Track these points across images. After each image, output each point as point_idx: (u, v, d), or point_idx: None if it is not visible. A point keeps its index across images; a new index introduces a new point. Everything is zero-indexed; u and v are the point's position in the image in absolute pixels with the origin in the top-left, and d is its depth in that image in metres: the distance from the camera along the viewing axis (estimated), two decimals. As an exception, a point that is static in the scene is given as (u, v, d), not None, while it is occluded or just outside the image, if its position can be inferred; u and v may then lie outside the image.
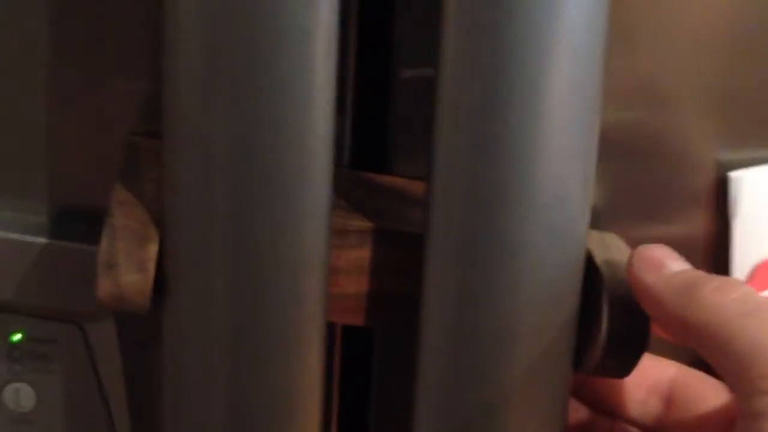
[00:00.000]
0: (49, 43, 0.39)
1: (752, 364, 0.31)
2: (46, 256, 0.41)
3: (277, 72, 0.32)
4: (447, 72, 0.33)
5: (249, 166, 0.33)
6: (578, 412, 0.40)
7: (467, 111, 0.33)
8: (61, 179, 0.41)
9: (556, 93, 0.33)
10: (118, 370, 0.42)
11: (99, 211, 0.38)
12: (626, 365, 0.36)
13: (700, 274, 0.34)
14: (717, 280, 0.33)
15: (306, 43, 0.32)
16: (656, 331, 0.36)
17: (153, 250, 0.35)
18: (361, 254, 0.37)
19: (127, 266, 0.34)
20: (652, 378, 0.39)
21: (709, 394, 0.38)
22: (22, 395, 0.42)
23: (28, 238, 0.41)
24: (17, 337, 0.42)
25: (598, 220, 0.39)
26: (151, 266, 0.35)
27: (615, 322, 0.35)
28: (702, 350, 0.33)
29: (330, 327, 0.37)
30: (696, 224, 0.42)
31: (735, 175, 0.41)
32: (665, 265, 0.34)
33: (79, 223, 0.41)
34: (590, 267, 0.36)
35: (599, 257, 0.36)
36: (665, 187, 0.41)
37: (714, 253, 0.42)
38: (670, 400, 0.39)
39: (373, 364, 0.42)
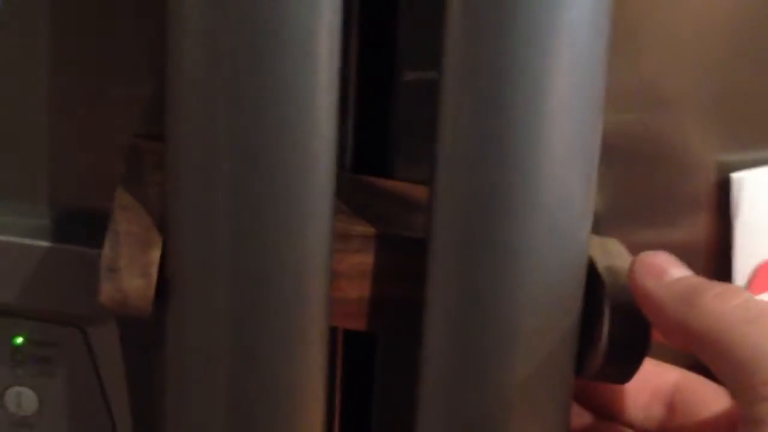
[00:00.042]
0: (49, 47, 0.39)
1: (754, 370, 0.31)
2: (48, 259, 0.41)
3: (281, 74, 0.32)
4: (450, 74, 0.33)
5: (252, 169, 0.33)
6: (581, 417, 0.40)
7: (470, 113, 0.33)
8: (62, 182, 0.41)
9: (559, 95, 0.33)
10: (120, 373, 0.42)
11: (100, 214, 0.38)
12: (627, 371, 0.36)
13: (702, 280, 0.34)
14: (718, 286, 0.33)
15: (309, 45, 0.32)
16: (657, 335, 0.36)
17: (156, 254, 0.35)
18: (364, 259, 0.37)
19: (130, 271, 0.34)
20: (654, 383, 0.39)
21: (711, 399, 0.38)
22: (23, 399, 0.42)
23: (30, 242, 0.41)
24: (19, 340, 0.42)
25: (599, 225, 0.39)
26: (154, 271, 0.35)
27: (616, 328, 0.35)
28: (703, 357, 0.33)
29: (332, 331, 0.37)
30: (698, 226, 0.42)
31: (737, 176, 0.41)
32: (666, 272, 0.34)
33: (80, 226, 0.41)
34: (592, 273, 0.36)
35: (600, 263, 0.36)
36: (666, 189, 0.41)
37: (716, 255, 0.42)
38: (672, 405, 0.39)
39: (375, 368, 0.42)
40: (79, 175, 0.41)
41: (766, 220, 0.42)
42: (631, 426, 0.40)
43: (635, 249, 0.38)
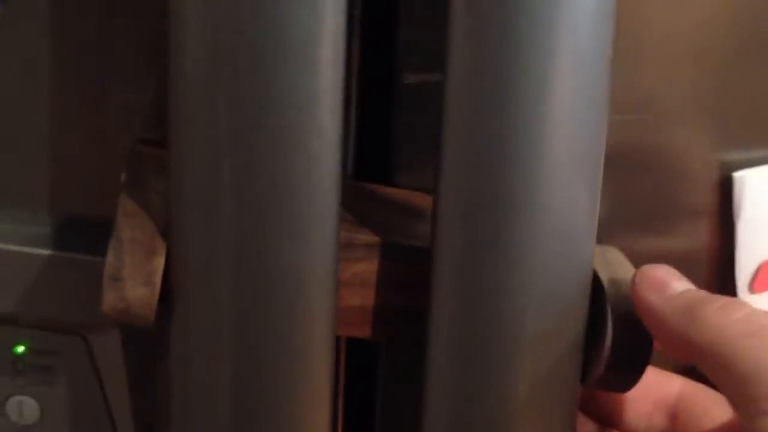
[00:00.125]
0: (49, 54, 0.39)
1: (756, 384, 0.31)
2: (49, 267, 0.40)
3: (284, 79, 0.32)
4: (454, 77, 0.33)
5: (256, 174, 0.33)
6: (584, 425, 0.40)
7: (475, 116, 0.33)
8: (63, 190, 0.41)
9: (564, 98, 0.33)
10: (122, 381, 0.42)
11: (101, 221, 0.38)
12: (629, 380, 0.36)
13: (704, 294, 0.34)
14: (720, 300, 0.34)
15: (312, 48, 0.32)
16: (658, 345, 0.36)
17: (159, 262, 0.35)
18: (367, 268, 0.37)
19: (134, 280, 0.34)
20: (657, 393, 0.39)
21: (714, 409, 0.38)
22: (25, 408, 0.42)
23: (30, 250, 0.40)
24: (20, 349, 0.42)
25: (600, 230, 0.39)
26: (158, 279, 0.34)
27: (618, 337, 0.35)
28: (705, 370, 0.33)
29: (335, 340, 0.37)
30: (701, 226, 0.42)
31: (739, 175, 0.41)
32: (668, 285, 0.35)
33: (81, 233, 0.41)
34: (594, 282, 0.36)
35: (601, 272, 0.36)
36: (668, 191, 0.41)
37: (719, 254, 0.42)
38: (675, 415, 0.39)
39: (377, 376, 0.42)
40: (79, 183, 0.41)
41: (768, 218, 0.42)
42: (633, 435, 0.40)
43: (637, 255, 0.39)
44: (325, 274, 0.35)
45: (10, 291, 0.41)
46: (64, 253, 0.40)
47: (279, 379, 0.35)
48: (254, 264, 0.34)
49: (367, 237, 0.37)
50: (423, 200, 0.38)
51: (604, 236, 0.40)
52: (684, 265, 0.36)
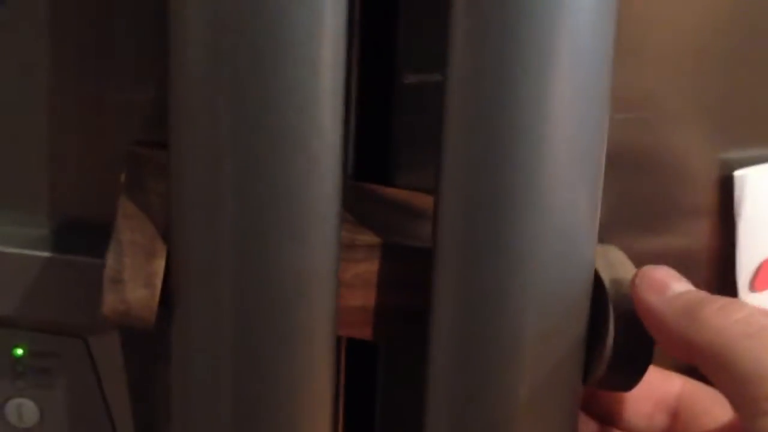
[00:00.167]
0: (48, 55, 0.39)
1: (756, 385, 0.31)
2: (48, 269, 0.40)
3: (284, 79, 0.32)
4: (455, 77, 0.33)
5: (257, 175, 0.33)
6: (585, 424, 0.40)
7: (475, 116, 0.33)
8: (62, 192, 0.41)
9: (565, 98, 0.33)
10: (122, 383, 0.42)
11: (100, 223, 0.38)
12: (631, 380, 0.36)
13: (703, 295, 0.34)
14: (720, 300, 0.34)
15: (313, 49, 0.32)
16: (658, 345, 0.36)
17: (160, 265, 0.35)
18: (368, 268, 0.37)
19: (134, 282, 0.34)
20: (658, 392, 0.39)
21: (715, 408, 0.38)
22: (24, 410, 0.42)
23: (30, 252, 0.40)
24: (20, 351, 0.42)
25: (601, 230, 0.39)
26: (158, 282, 0.34)
27: (620, 336, 0.35)
28: (705, 371, 0.33)
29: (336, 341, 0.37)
30: (701, 224, 0.42)
31: (739, 174, 0.41)
32: (668, 287, 0.35)
33: (80, 235, 0.41)
34: (595, 281, 0.36)
35: (603, 272, 0.36)
36: (669, 190, 0.41)
37: (719, 253, 0.42)
38: (675, 414, 0.39)
39: (377, 376, 0.42)
40: (78, 185, 0.41)
41: (769, 217, 0.42)
42: (634, 434, 0.40)
43: (638, 254, 0.39)
44: (326, 274, 0.35)
45: (10, 293, 0.40)
46: (63, 255, 0.40)
47: (280, 380, 0.35)
48: (255, 265, 0.34)
49: (368, 237, 0.37)
50: (424, 200, 0.38)
51: (604, 235, 0.40)
52: (685, 263, 0.37)
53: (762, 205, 0.42)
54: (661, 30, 0.39)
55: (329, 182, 0.34)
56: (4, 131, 0.40)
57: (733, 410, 0.36)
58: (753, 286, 0.43)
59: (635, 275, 0.35)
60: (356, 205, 0.39)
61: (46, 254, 0.40)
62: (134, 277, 0.34)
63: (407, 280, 0.37)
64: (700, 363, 0.33)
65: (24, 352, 0.42)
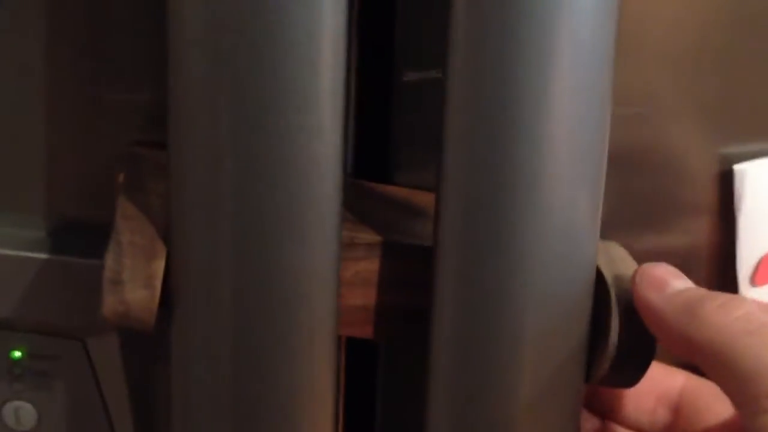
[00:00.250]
0: (45, 57, 0.39)
1: (756, 382, 0.31)
2: (46, 271, 0.40)
3: (284, 79, 0.32)
4: (455, 75, 0.33)
5: (257, 175, 0.33)
6: (588, 421, 0.40)
7: (476, 114, 0.33)
8: (59, 194, 0.41)
9: (566, 96, 0.33)
10: (121, 385, 0.42)
11: (98, 224, 0.38)
12: (634, 376, 0.36)
13: (704, 292, 0.34)
14: (720, 298, 0.34)
15: (313, 48, 0.32)
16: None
17: (159, 266, 0.34)
18: (368, 267, 0.37)
19: (133, 283, 0.34)
20: (660, 388, 0.39)
21: (716, 404, 0.38)
22: (22, 413, 0.42)
23: (28, 254, 0.40)
24: (18, 354, 0.41)
25: (602, 226, 0.39)
26: (158, 282, 0.34)
27: (623, 333, 0.35)
28: (706, 368, 0.33)
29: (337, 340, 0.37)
30: (701, 219, 0.42)
31: (739, 168, 0.41)
32: (668, 284, 0.35)
33: (77, 237, 0.41)
34: (598, 278, 0.36)
35: (605, 268, 0.36)
36: (669, 185, 0.41)
37: (719, 247, 0.42)
38: (678, 410, 0.39)
39: (377, 375, 0.42)
40: (77, 186, 0.41)
41: (768, 211, 0.42)
42: (636, 430, 0.40)
43: (638, 250, 0.39)
44: (326, 273, 0.35)
45: (7, 295, 0.40)
46: (61, 257, 0.40)
47: (281, 380, 0.35)
48: (256, 265, 0.34)
49: (368, 236, 0.37)
50: (423, 198, 0.38)
51: (605, 232, 0.40)
52: (685, 257, 0.37)
53: (762, 200, 0.42)
54: (661, 26, 0.39)
55: (329, 182, 0.34)
56: (3, 132, 0.40)
57: (733, 407, 0.36)
58: (753, 281, 0.43)
59: (635, 273, 0.35)
60: (356, 203, 0.38)
61: (44, 256, 0.40)
62: (134, 278, 0.34)
63: (407, 278, 0.37)
64: (700, 360, 0.33)
65: (22, 355, 0.41)
